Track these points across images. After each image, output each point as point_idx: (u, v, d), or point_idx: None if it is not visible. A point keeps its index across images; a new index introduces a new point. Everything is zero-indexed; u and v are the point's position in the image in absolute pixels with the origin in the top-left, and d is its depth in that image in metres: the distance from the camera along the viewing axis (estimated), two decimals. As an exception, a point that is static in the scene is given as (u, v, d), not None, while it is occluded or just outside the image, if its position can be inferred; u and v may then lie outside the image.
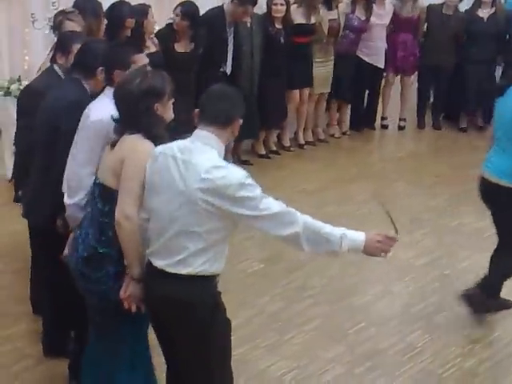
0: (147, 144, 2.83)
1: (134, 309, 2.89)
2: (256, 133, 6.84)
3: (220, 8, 6.29)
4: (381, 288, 4.71)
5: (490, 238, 5.34)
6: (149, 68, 3.06)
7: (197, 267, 2.67)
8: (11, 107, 5.57)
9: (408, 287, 4.75)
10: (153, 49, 5.52)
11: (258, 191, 2.62)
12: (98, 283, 2.96)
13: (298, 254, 4.93)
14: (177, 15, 5.76)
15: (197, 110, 2.75)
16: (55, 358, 3.74)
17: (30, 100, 3.82)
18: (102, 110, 3.07)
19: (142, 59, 3.26)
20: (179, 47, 5.83)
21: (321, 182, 6.50)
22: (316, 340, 4.11)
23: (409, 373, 3.86)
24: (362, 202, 6.04)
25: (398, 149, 7.96)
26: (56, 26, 4.47)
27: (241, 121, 2.76)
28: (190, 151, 2.67)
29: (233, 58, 6.34)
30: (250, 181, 2.62)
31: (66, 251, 3.19)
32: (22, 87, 5.84)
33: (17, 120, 4.10)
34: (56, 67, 3.78)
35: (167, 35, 5.81)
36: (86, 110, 3.17)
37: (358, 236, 2.71)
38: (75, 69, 3.46)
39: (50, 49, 4.62)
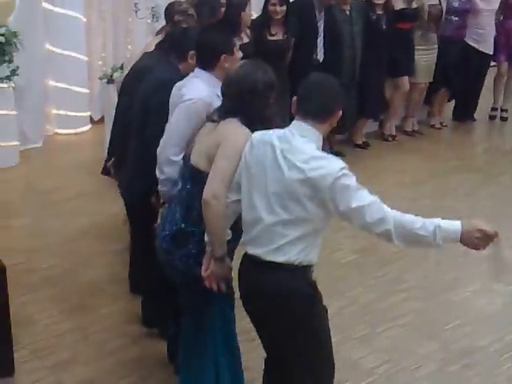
0: (246, 130, 2.85)
1: (215, 287, 2.92)
2: (348, 126, 6.68)
3: None
4: (480, 285, 4.54)
5: None
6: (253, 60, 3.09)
7: (293, 255, 2.65)
8: (114, 94, 5.75)
9: (510, 285, 4.55)
10: (245, 39, 5.53)
11: (353, 182, 2.58)
12: (181, 260, 3.03)
13: (392, 247, 4.77)
14: (273, 4, 5.77)
15: (294, 97, 2.72)
16: (151, 338, 3.84)
17: (131, 81, 3.98)
18: (195, 90, 3.14)
19: (236, 44, 3.33)
20: (272, 36, 5.83)
21: (419, 174, 6.35)
22: (409, 335, 4.02)
23: (507, 373, 3.72)
24: (460, 196, 5.86)
25: (505, 141, 7.69)
26: (172, 22, 4.42)
27: (340, 113, 2.72)
28: (288, 141, 2.65)
29: (330, 46, 6.25)
30: (346, 171, 2.58)
31: (158, 222, 3.28)
32: (124, 75, 6.04)
33: (118, 99, 4.28)
34: (157, 52, 3.90)
35: (261, 24, 5.81)
36: (177, 90, 3.25)
37: (454, 227, 2.58)
38: (169, 52, 3.59)
39: (155, 33, 4.77)
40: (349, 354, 3.78)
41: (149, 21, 6.74)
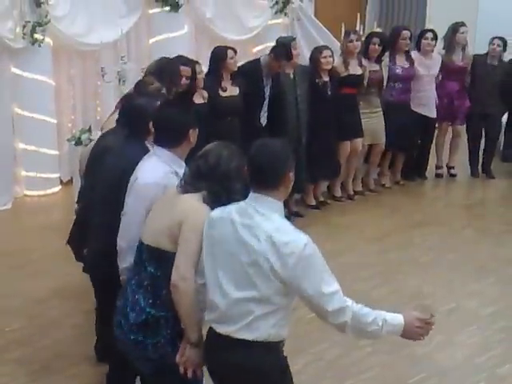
0: (204, 206, 2.82)
1: (190, 374, 2.84)
2: (304, 187, 6.78)
3: (257, 60, 6.40)
4: (444, 337, 4.61)
5: (558, 289, 5.25)
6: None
7: (264, 332, 2.61)
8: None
9: (472, 337, 4.65)
10: (201, 101, 5.66)
11: (319, 261, 2.57)
12: (156, 348, 2.92)
13: (358, 302, 4.95)
14: (232, 58, 5.94)
15: (245, 167, 2.69)
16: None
17: (92, 162, 3.95)
18: (149, 172, 3.13)
19: None
20: (225, 91, 5.95)
21: (383, 229, 6.49)
22: (374, 389, 4.08)
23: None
24: (425, 249, 6.00)
25: (463, 196, 7.89)
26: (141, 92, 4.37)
27: (292, 174, 2.69)
28: (249, 215, 2.61)
29: (275, 110, 6.36)
30: (311, 248, 2.55)
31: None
32: (92, 137, 6.17)
33: (84, 178, 4.19)
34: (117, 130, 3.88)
35: (213, 81, 5.91)
36: (135, 171, 3.22)
37: (398, 321, 2.68)
38: (129, 129, 3.58)
39: (115, 105, 4.83)
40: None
41: (116, 84, 6.91)
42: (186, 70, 5.31)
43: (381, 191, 7.58)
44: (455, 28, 7.62)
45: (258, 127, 6.19)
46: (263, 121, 6.37)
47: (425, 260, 5.80)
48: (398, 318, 2.69)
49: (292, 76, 6.48)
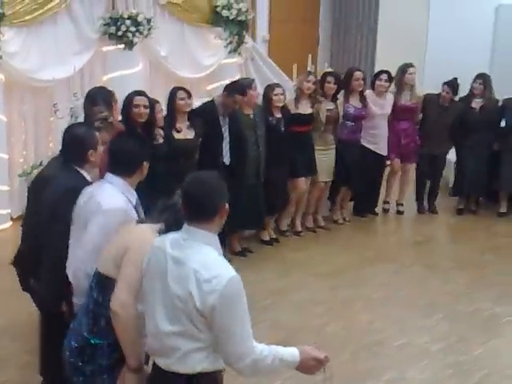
0: (155, 235, 2.82)
1: None
2: (262, 222, 6.86)
3: (211, 101, 6.42)
4: (395, 374, 4.66)
5: (507, 324, 5.37)
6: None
7: (197, 364, 2.60)
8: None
9: (422, 373, 4.70)
10: (160, 140, 5.65)
11: (241, 300, 2.54)
12: (93, 376, 2.91)
13: (311, 339, 4.98)
14: (182, 98, 5.92)
15: (180, 202, 2.70)
16: None
17: (33, 191, 3.99)
18: (113, 198, 3.18)
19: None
20: (179, 132, 5.94)
21: (336, 265, 6.54)
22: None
23: None
24: (376, 286, 6.08)
25: (411, 233, 8.05)
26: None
27: (227, 206, 2.68)
28: (180, 247, 2.61)
29: (235, 150, 6.40)
30: (233, 288, 2.52)
31: None
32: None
33: (27, 204, 4.17)
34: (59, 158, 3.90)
35: (168, 122, 5.89)
36: (88, 197, 3.26)
37: (293, 359, 2.70)
38: (69, 156, 3.65)
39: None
40: None
41: (69, 120, 6.87)
42: (142, 100, 5.29)
43: (332, 227, 7.65)
44: (404, 69, 7.84)
45: (219, 166, 6.17)
46: (227, 160, 6.39)
47: (376, 296, 5.87)
48: (293, 355, 2.70)
49: (252, 117, 6.55)
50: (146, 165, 3.35)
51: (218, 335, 2.55)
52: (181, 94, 5.94)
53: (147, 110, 5.28)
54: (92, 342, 2.92)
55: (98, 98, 4.71)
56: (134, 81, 7.69)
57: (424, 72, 9.90)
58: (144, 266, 2.72)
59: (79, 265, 3.19)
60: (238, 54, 9.08)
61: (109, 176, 3.30)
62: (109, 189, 3.25)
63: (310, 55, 7.89)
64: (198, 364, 2.60)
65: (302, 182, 7.15)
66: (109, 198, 3.20)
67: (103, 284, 2.92)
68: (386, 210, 8.29)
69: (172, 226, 2.80)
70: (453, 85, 7.85)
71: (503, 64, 10.56)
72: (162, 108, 5.86)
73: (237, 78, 8.87)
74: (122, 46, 7.80)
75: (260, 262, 6.53)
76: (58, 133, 7.06)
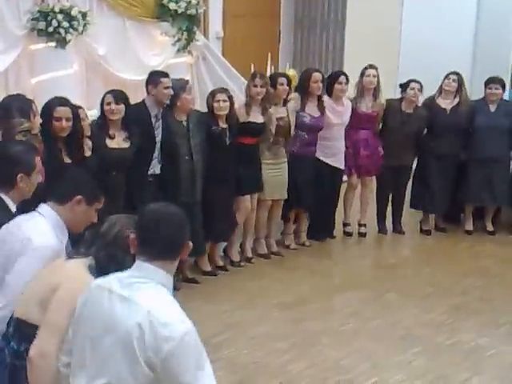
0: (86, 275, 2.80)
1: None
2: (203, 249, 6.72)
3: (141, 103, 6.35)
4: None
5: (492, 358, 5.44)
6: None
7: None
8: None
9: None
10: (88, 153, 5.59)
11: (197, 355, 2.53)
12: None
13: (272, 380, 4.99)
14: (108, 103, 5.86)
15: (132, 236, 2.69)
16: None
17: None
18: (45, 236, 3.16)
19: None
20: (112, 139, 5.90)
21: (301, 293, 6.57)
22: None
23: None
24: (346, 317, 6.11)
25: (380, 256, 8.13)
26: None
27: (190, 244, 2.71)
28: (130, 287, 2.57)
29: (166, 161, 6.36)
30: (191, 340, 2.51)
31: None
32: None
33: None
34: None
35: (98, 129, 5.85)
36: (16, 229, 3.22)
37: None
38: None
39: None
40: None
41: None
42: (65, 111, 5.23)
43: (287, 253, 7.63)
44: (362, 71, 7.82)
45: (146, 180, 6.19)
46: (154, 169, 6.32)
47: (345, 329, 5.89)
48: None
49: (185, 124, 6.48)
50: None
51: None
52: (108, 98, 5.89)
53: (70, 123, 5.22)
54: None
55: (13, 108, 4.58)
56: (68, 84, 7.62)
57: (398, 75, 10.02)
58: (78, 308, 2.65)
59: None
60: (188, 52, 9.07)
61: (43, 207, 3.28)
62: (42, 223, 3.22)
63: (269, 54, 7.94)
64: None
65: (247, 201, 7.06)
66: (42, 234, 3.18)
67: (23, 331, 2.86)
68: (347, 233, 8.26)
69: (108, 262, 2.78)
70: (419, 82, 7.85)
71: (486, 63, 10.66)
72: (87, 114, 5.82)
73: (187, 79, 8.90)
74: (54, 43, 7.71)
75: (214, 292, 6.51)
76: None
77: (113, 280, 2.63)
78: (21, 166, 3.51)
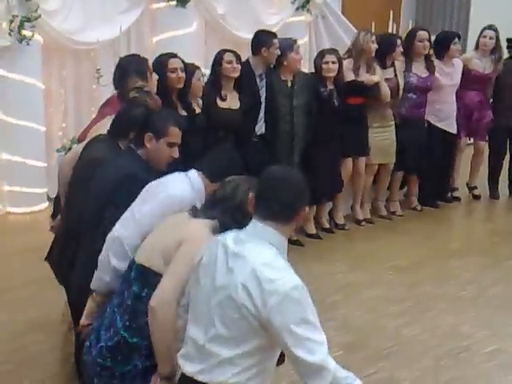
0: (210, 237, 2.85)
1: None
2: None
3: (246, 62, 6.26)
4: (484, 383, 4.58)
5: None
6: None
7: (230, 377, 2.59)
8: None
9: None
10: (197, 110, 5.65)
11: (306, 306, 2.54)
12: (123, 379, 2.94)
13: (385, 341, 4.93)
14: (229, 62, 5.87)
15: (251, 194, 2.75)
16: None
17: (79, 176, 4.00)
18: (183, 189, 3.28)
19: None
20: (224, 101, 5.93)
21: (416, 258, 6.46)
22: None
23: None
24: (463, 283, 5.98)
25: (503, 221, 7.90)
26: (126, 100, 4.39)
27: (307, 209, 2.74)
28: (243, 243, 2.63)
29: (268, 120, 6.35)
30: (298, 294, 2.52)
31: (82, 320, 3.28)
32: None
33: (69, 189, 4.22)
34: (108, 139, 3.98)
35: (211, 89, 5.87)
36: (160, 181, 3.37)
37: None
38: (120, 138, 3.79)
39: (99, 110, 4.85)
40: None
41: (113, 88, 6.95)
42: (177, 61, 5.30)
43: (392, 218, 7.52)
44: (481, 31, 7.62)
45: (252, 141, 6.21)
46: (258, 129, 6.35)
47: (463, 295, 5.76)
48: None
49: (290, 84, 6.43)
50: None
51: (282, 342, 2.52)
52: (228, 56, 5.90)
53: (183, 74, 5.30)
54: (129, 340, 2.95)
55: (130, 68, 4.66)
56: (188, 43, 7.73)
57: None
58: (197, 261, 2.73)
59: (121, 242, 3.22)
60: (307, 10, 8.97)
61: (193, 172, 3.39)
62: (184, 182, 3.33)
63: (391, 12, 7.74)
64: (232, 377, 2.58)
65: (351, 163, 6.99)
66: (176, 186, 3.31)
67: (146, 278, 2.96)
68: (456, 198, 8.08)
69: (233, 226, 2.81)
70: None
71: None
72: (203, 74, 5.86)
73: (305, 39, 8.81)
74: (174, 2, 7.82)
75: (321, 254, 6.48)
76: (102, 102, 7.29)
77: (229, 236, 2.69)
78: (151, 128, 3.58)
